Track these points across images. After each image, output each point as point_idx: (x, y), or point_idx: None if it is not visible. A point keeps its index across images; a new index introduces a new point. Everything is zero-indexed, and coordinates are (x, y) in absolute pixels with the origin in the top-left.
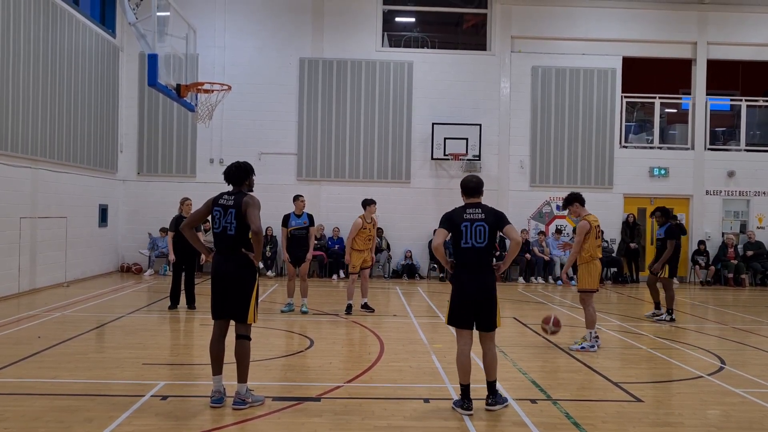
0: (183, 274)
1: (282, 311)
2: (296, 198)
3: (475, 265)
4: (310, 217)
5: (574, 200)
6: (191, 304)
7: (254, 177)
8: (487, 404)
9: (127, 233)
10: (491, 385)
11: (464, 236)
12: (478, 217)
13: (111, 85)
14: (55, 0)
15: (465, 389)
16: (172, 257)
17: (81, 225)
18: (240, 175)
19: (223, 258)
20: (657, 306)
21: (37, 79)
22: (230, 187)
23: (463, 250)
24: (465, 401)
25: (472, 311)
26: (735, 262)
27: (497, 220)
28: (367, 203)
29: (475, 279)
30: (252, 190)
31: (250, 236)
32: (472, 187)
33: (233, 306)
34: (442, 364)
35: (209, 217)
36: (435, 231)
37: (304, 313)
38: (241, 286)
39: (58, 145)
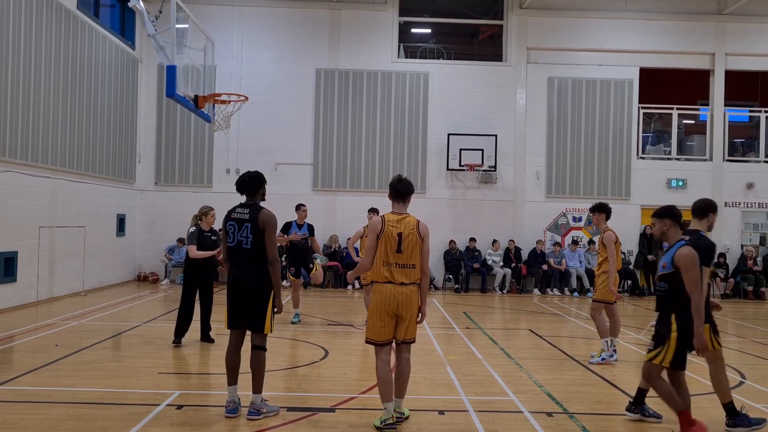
0: (197, 297)
1: (292, 322)
2: (299, 207)
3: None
4: (310, 228)
5: (602, 210)
6: (207, 337)
7: (266, 186)
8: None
9: (144, 243)
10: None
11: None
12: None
13: (130, 96)
14: (76, 12)
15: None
16: (221, 256)
17: (99, 234)
18: (253, 185)
19: (239, 270)
20: None
21: (58, 90)
22: (242, 198)
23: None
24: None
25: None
26: (756, 273)
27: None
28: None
29: None
30: (264, 199)
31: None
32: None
33: (250, 316)
34: (457, 376)
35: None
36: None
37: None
38: (257, 296)
39: (78, 155)
